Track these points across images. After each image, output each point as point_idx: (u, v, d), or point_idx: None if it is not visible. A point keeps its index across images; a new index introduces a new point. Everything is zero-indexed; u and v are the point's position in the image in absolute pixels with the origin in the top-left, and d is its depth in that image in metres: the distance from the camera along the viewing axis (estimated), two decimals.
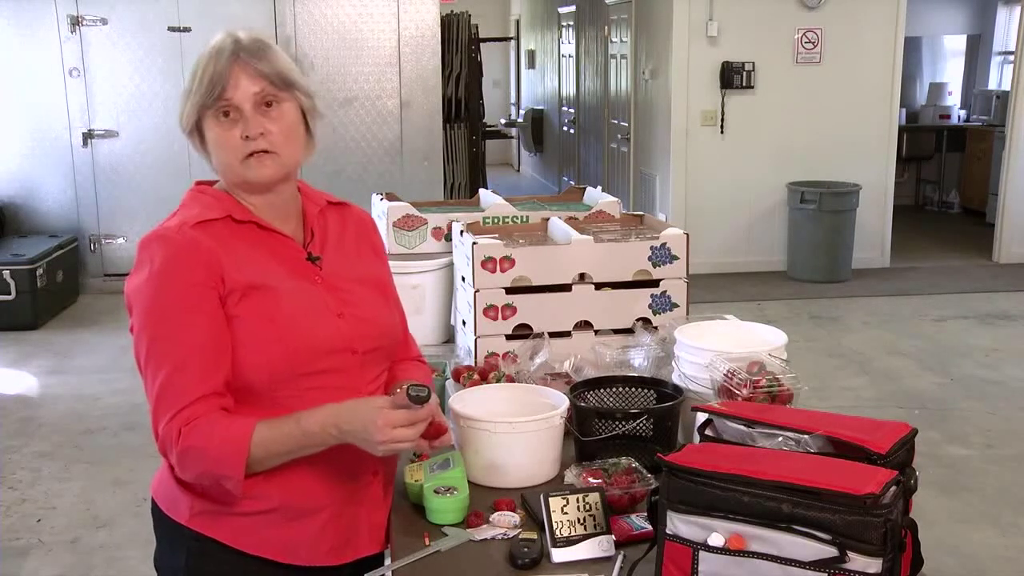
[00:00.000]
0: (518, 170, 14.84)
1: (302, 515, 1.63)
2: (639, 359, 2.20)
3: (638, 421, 1.89)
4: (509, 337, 2.33)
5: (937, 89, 10.73)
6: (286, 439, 1.53)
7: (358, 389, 1.65)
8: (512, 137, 14.23)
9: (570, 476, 1.80)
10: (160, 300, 1.53)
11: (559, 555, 1.59)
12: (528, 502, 1.75)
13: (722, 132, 7.59)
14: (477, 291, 2.31)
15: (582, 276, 2.36)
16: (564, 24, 11.47)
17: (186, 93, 1.61)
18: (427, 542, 1.63)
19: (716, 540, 1.37)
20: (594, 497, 1.65)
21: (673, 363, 2.08)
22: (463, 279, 2.44)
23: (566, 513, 1.62)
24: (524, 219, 2.72)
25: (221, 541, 1.61)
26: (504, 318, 2.32)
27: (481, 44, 8.53)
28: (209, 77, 1.57)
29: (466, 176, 8.22)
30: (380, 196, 2.90)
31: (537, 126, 13.27)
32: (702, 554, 1.39)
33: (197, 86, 1.58)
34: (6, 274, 6.28)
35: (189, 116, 1.60)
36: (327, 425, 1.53)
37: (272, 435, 1.53)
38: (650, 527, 1.55)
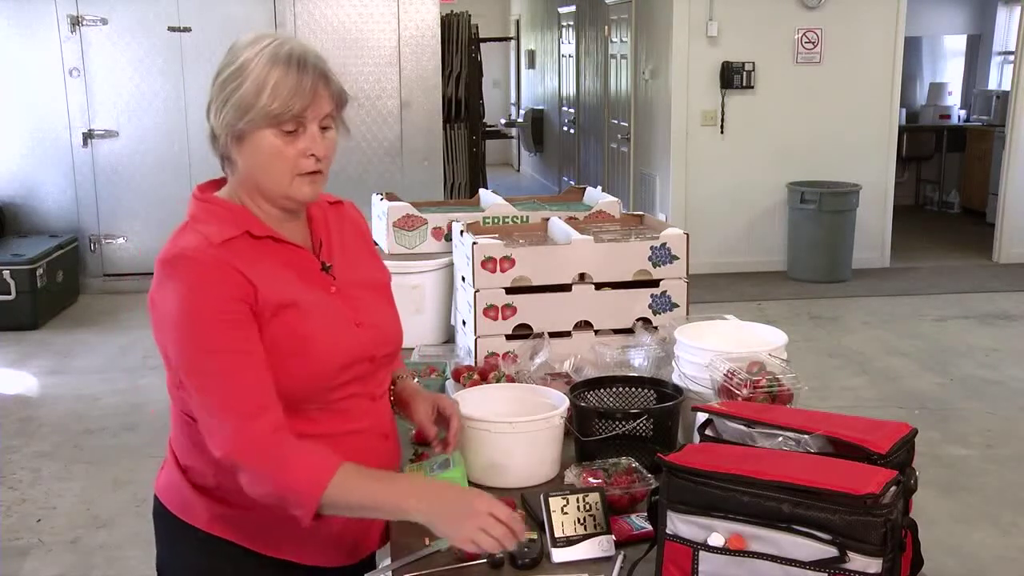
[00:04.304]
0: (518, 170, 14.84)
1: (323, 518, 1.63)
2: (639, 359, 2.20)
3: (638, 421, 1.89)
4: (509, 337, 2.33)
5: (937, 89, 10.73)
6: (365, 490, 1.48)
7: (374, 395, 1.67)
8: (512, 137, 14.23)
9: (570, 476, 1.80)
10: (202, 317, 1.47)
11: (559, 555, 1.59)
12: (528, 502, 1.75)
13: (722, 132, 7.59)
14: (477, 291, 2.31)
15: (582, 276, 2.36)
16: (564, 24, 11.47)
17: (241, 102, 1.49)
18: (427, 542, 1.62)
19: (716, 540, 1.37)
20: (594, 497, 1.65)
21: (673, 363, 2.08)
22: (463, 279, 2.44)
23: (566, 513, 1.62)
24: (524, 219, 2.72)
25: (241, 544, 1.60)
26: (504, 318, 2.32)
27: (481, 44, 8.53)
28: (290, 90, 1.48)
29: (466, 176, 8.22)
30: (380, 196, 2.90)
31: (537, 126, 13.27)
32: (702, 554, 1.39)
33: (270, 98, 1.47)
34: (6, 274, 6.28)
35: (249, 124, 1.49)
36: (414, 494, 1.47)
37: (353, 482, 1.47)
38: (650, 527, 1.55)
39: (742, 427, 1.60)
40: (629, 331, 2.37)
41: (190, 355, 1.48)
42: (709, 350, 1.97)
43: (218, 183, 1.65)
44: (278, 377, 1.51)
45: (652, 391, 2.04)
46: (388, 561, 1.66)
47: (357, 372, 1.62)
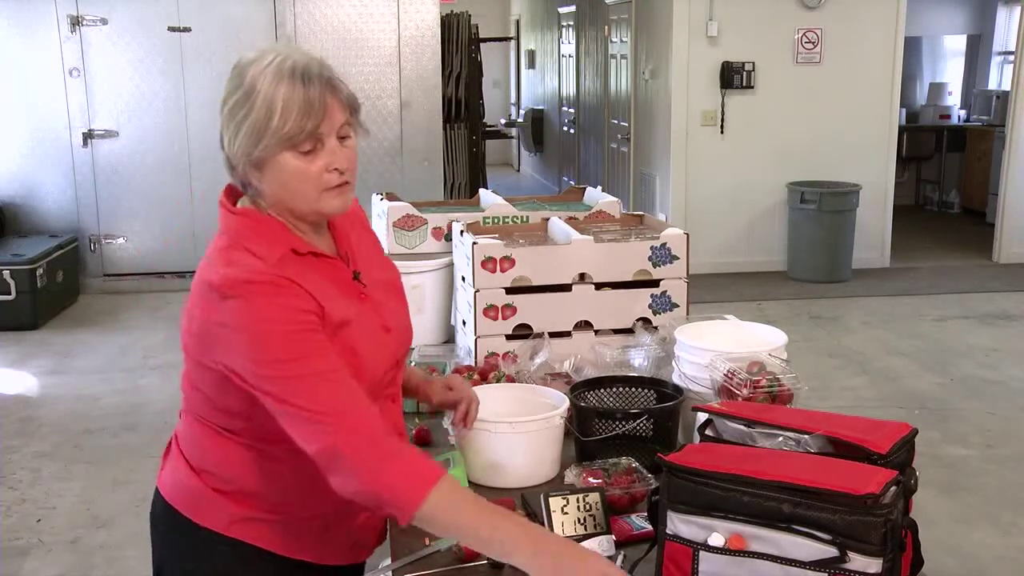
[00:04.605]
0: (518, 170, 14.84)
1: (341, 519, 1.64)
2: (639, 359, 2.20)
3: (638, 421, 1.89)
4: (509, 337, 2.33)
5: (937, 89, 10.73)
6: (472, 514, 1.43)
7: (395, 397, 1.69)
8: (512, 137, 14.23)
9: (570, 476, 1.80)
10: (285, 329, 1.44)
11: None
12: (528, 502, 1.75)
13: (722, 132, 7.59)
14: (477, 291, 2.31)
15: (582, 276, 2.36)
16: (564, 24, 11.47)
17: (254, 128, 1.45)
18: (427, 542, 1.63)
19: (716, 540, 1.37)
20: (594, 497, 1.65)
21: (673, 363, 2.08)
22: (463, 279, 2.44)
23: (566, 513, 1.63)
24: (524, 219, 2.72)
25: (259, 546, 1.60)
26: (504, 318, 2.32)
27: (481, 44, 8.53)
28: (300, 108, 1.44)
29: (466, 176, 8.23)
30: (380, 196, 2.90)
31: (537, 126, 13.27)
32: (702, 554, 1.39)
33: (280, 121, 1.44)
34: (6, 274, 6.28)
35: (265, 151, 1.45)
36: (528, 544, 1.39)
37: (460, 498, 1.44)
38: (650, 527, 1.55)
39: (742, 427, 1.60)
40: (629, 331, 2.37)
41: (277, 367, 1.43)
42: (709, 350, 1.97)
43: (238, 190, 1.60)
44: None
45: (652, 391, 2.04)
46: (388, 561, 1.66)
47: (391, 377, 1.64)
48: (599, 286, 2.37)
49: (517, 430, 1.82)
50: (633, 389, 2.06)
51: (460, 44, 8.09)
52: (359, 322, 1.56)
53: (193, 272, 1.59)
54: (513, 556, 1.40)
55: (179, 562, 1.67)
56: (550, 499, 1.63)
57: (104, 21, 7.09)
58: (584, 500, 1.65)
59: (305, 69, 1.46)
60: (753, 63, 7.47)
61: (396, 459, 1.45)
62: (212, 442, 1.58)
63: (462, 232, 2.46)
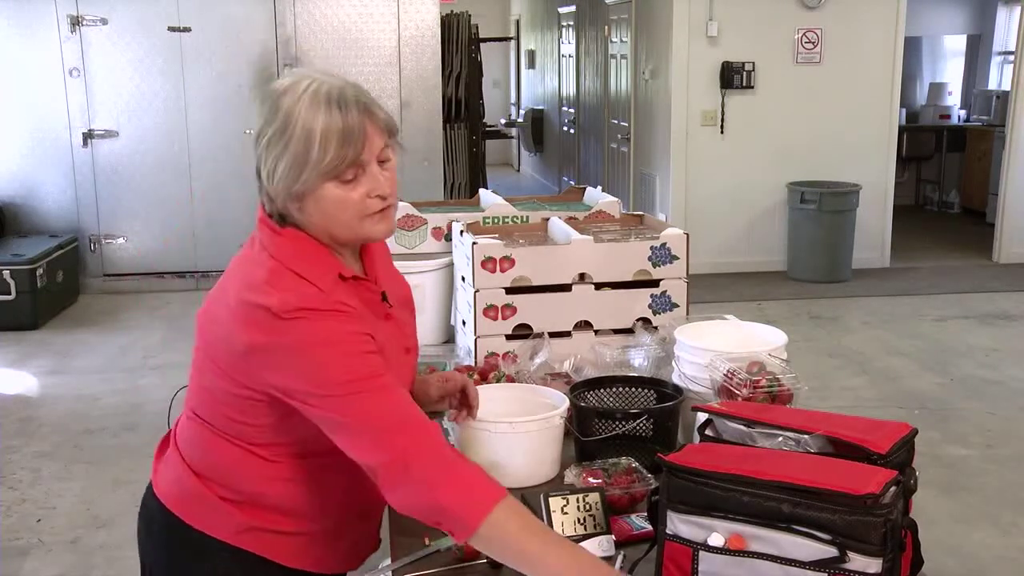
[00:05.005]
0: (518, 170, 14.84)
1: (348, 530, 1.65)
2: (639, 359, 2.20)
3: (638, 421, 1.89)
4: (509, 337, 2.33)
5: (937, 89, 10.73)
6: (527, 539, 1.40)
7: None
8: (512, 137, 14.23)
9: (570, 476, 1.80)
10: (346, 350, 1.44)
11: None
12: (528, 502, 1.74)
13: (722, 132, 7.59)
14: (477, 291, 2.31)
15: (582, 276, 2.36)
16: (564, 24, 11.47)
17: (294, 161, 1.41)
18: (427, 542, 1.63)
19: (716, 540, 1.37)
20: (594, 497, 1.65)
21: (673, 363, 2.08)
22: (463, 279, 2.44)
23: (566, 513, 1.62)
24: (524, 219, 2.72)
25: (263, 556, 1.59)
26: (504, 318, 2.32)
27: (481, 44, 8.53)
28: (339, 137, 1.41)
29: (466, 176, 8.23)
30: None
31: (537, 126, 13.27)
32: (702, 554, 1.39)
33: (321, 152, 1.40)
34: (6, 274, 6.28)
35: (306, 185, 1.43)
36: (576, 572, 1.38)
37: (519, 521, 1.41)
38: (650, 527, 1.55)
39: (742, 427, 1.60)
40: (629, 331, 2.37)
41: (341, 387, 1.42)
42: (709, 350, 1.97)
43: None
44: None
45: (652, 391, 2.04)
46: (388, 561, 1.66)
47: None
48: (599, 286, 2.37)
49: (517, 430, 1.82)
50: (633, 389, 2.06)
51: (460, 44, 8.09)
52: (388, 345, 1.55)
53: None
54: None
55: (172, 565, 1.65)
56: (550, 499, 1.63)
57: (104, 21, 7.09)
58: (584, 500, 1.65)
59: (341, 95, 1.43)
60: (753, 63, 7.47)
61: (462, 472, 1.43)
62: (225, 452, 1.56)
63: (462, 232, 2.46)
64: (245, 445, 1.55)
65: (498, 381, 2.10)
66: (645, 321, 2.40)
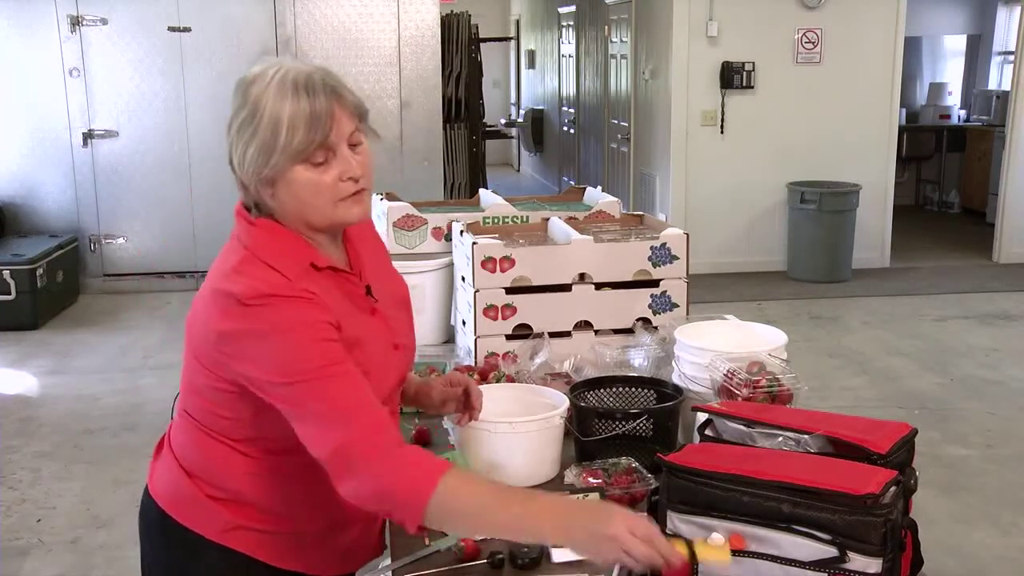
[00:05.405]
0: (518, 170, 14.84)
1: (336, 533, 1.64)
2: (639, 359, 2.20)
3: (638, 421, 1.89)
4: (509, 337, 2.33)
5: (937, 89, 10.73)
6: (484, 500, 1.40)
7: (395, 411, 1.68)
8: (512, 137, 14.23)
9: (570, 476, 1.80)
10: (307, 337, 1.43)
11: (559, 555, 1.59)
12: None
13: (722, 132, 7.59)
14: (477, 291, 2.31)
15: (582, 276, 2.36)
16: (564, 24, 11.47)
17: (262, 146, 1.43)
18: (427, 542, 1.63)
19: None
20: (594, 497, 1.65)
21: (673, 363, 2.08)
22: (463, 279, 2.44)
23: None
24: (524, 219, 2.72)
25: (251, 555, 1.59)
26: (504, 318, 2.32)
27: (481, 44, 8.53)
28: (306, 121, 1.42)
29: (466, 176, 8.22)
30: (380, 196, 2.90)
31: (537, 126, 13.27)
32: None
33: (288, 136, 1.42)
34: (6, 274, 6.28)
35: (275, 169, 1.44)
36: (549, 516, 1.37)
37: (470, 487, 1.41)
38: None
39: (742, 427, 1.60)
40: (629, 331, 2.37)
41: (295, 374, 1.42)
42: (709, 350, 1.97)
43: None
44: None
45: (652, 391, 2.04)
46: (388, 561, 1.66)
47: (395, 394, 1.63)
48: (599, 286, 2.38)
49: (517, 430, 1.82)
50: (633, 389, 2.06)
51: (460, 44, 8.08)
52: (370, 340, 1.55)
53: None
54: (547, 539, 1.38)
55: (167, 564, 1.65)
56: None
57: (104, 21, 7.09)
58: (584, 500, 1.64)
59: (308, 81, 1.44)
60: (753, 63, 7.47)
61: (404, 455, 1.43)
62: (211, 449, 1.57)
63: (462, 232, 2.46)
64: (227, 441, 1.55)
65: (498, 381, 2.10)
66: (645, 321, 2.40)
